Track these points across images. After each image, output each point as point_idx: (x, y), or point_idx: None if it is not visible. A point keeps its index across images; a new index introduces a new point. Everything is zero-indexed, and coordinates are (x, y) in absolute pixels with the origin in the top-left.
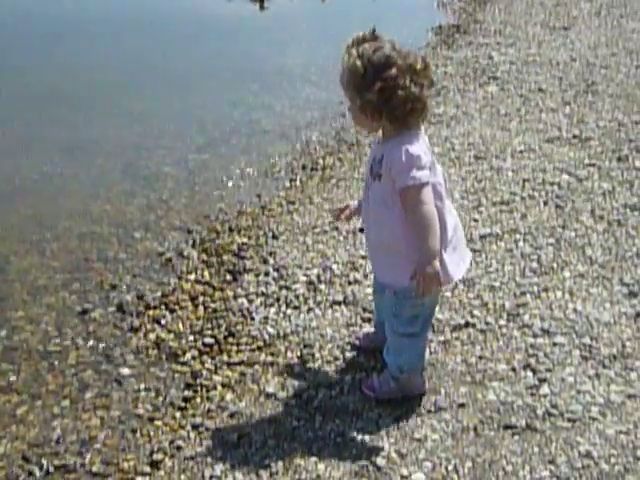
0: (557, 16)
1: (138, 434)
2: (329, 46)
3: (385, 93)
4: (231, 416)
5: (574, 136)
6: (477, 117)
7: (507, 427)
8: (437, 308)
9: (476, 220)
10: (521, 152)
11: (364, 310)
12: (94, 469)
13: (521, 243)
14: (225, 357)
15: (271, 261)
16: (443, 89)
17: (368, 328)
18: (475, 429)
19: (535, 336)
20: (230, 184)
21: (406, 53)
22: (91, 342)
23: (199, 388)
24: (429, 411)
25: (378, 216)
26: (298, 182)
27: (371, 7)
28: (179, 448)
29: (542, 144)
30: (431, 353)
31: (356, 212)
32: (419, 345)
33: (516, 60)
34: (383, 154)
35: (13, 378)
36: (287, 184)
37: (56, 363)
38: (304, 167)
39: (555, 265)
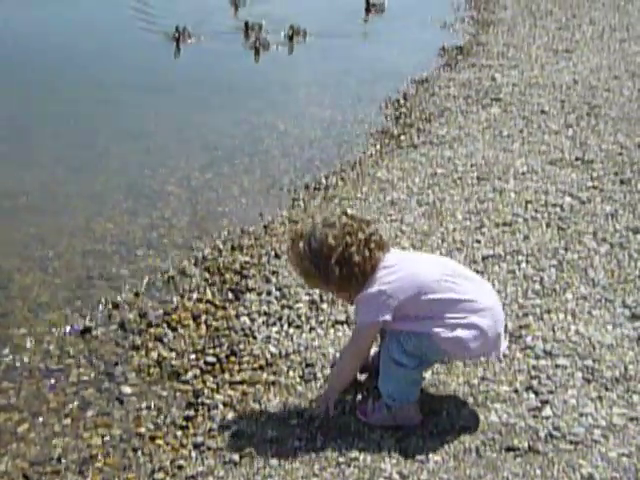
0: (560, 39)
1: (139, 453)
2: (333, 63)
3: (343, 261)
4: (233, 435)
5: (577, 158)
6: (480, 138)
7: (509, 449)
8: None
9: (479, 241)
10: (524, 174)
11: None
12: None
13: (524, 264)
14: (227, 376)
15: (273, 280)
16: (446, 111)
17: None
18: (477, 451)
19: (537, 358)
20: (233, 203)
21: (328, 221)
22: (93, 360)
23: (201, 407)
24: (431, 432)
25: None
26: (301, 201)
27: (375, 27)
28: (180, 467)
29: (545, 166)
30: (433, 374)
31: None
32: (411, 377)
33: (519, 82)
34: None
35: (14, 396)
36: (290, 203)
37: (57, 381)
38: (307, 186)
39: (557, 287)
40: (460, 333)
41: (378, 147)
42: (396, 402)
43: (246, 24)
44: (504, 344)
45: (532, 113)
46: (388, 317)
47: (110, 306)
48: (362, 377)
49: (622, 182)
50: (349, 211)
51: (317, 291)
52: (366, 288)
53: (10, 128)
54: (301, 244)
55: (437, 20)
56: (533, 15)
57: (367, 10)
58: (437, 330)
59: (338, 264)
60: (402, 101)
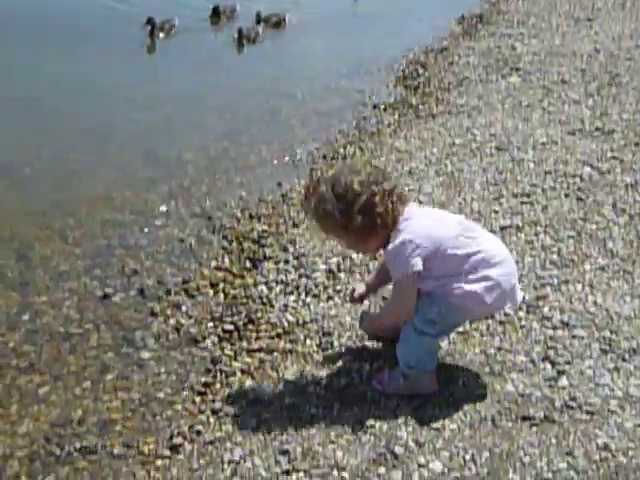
0: (581, 7)
1: (158, 417)
2: (351, 36)
3: (367, 209)
4: (250, 402)
5: (597, 128)
6: (499, 108)
7: (525, 418)
8: None
9: (496, 212)
10: (543, 144)
11: (384, 299)
12: (115, 451)
13: (542, 235)
14: (245, 344)
15: (291, 249)
16: (465, 79)
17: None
18: (493, 420)
19: (555, 328)
20: (251, 172)
21: (353, 167)
22: (112, 325)
23: (219, 374)
24: (447, 401)
25: None
26: (319, 171)
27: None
28: (199, 432)
29: (564, 136)
30: (450, 343)
31: (370, 292)
32: (431, 345)
33: (539, 51)
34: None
35: (35, 359)
36: (308, 173)
37: (77, 345)
38: (324, 156)
39: (576, 258)
40: (476, 287)
41: (396, 117)
42: (413, 371)
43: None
44: (519, 294)
45: (552, 82)
46: (420, 266)
47: (129, 273)
48: (378, 345)
49: None
50: (373, 161)
51: (334, 260)
52: (392, 241)
53: (24, 94)
54: (324, 187)
55: None
56: None
57: None
58: (455, 287)
59: (361, 212)
60: (421, 70)
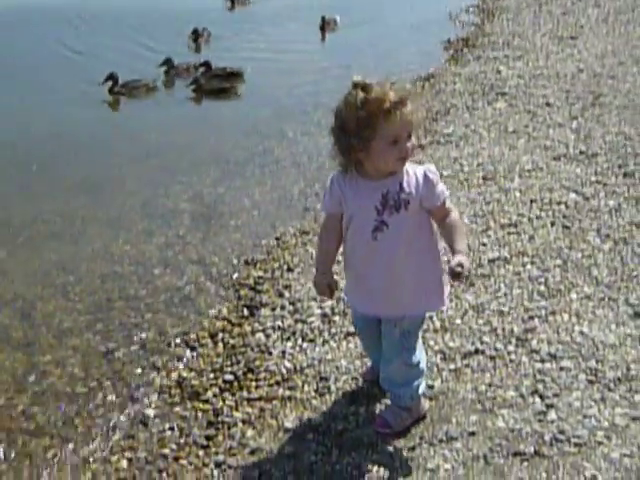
0: (565, 25)
1: (164, 474)
2: (339, 69)
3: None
4: (252, 453)
5: (581, 152)
6: (486, 136)
7: (516, 454)
8: (448, 335)
9: (484, 244)
10: (529, 171)
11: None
12: None
13: (529, 266)
14: (245, 393)
15: (287, 294)
16: (452, 107)
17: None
18: (485, 457)
19: (543, 361)
20: (245, 216)
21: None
22: (116, 382)
23: (221, 425)
24: (441, 440)
25: (415, 243)
26: (312, 210)
27: (382, 24)
28: None
29: (549, 162)
30: (442, 382)
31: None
32: (422, 368)
33: (524, 74)
34: (401, 182)
35: (43, 421)
36: (301, 213)
37: (84, 405)
38: (317, 194)
39: (562, 287)
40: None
41: None
42: (414, 400)
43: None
44: None
45: (537, 106)
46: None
47: (130, 327)
48: (372, 389)
49: (625, 175)
50: None
51: (328, 304)
52: (414, 166)
53: (23, 153)
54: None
55: (441, 12)
56: (538, 0)
57: None
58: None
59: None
60: None
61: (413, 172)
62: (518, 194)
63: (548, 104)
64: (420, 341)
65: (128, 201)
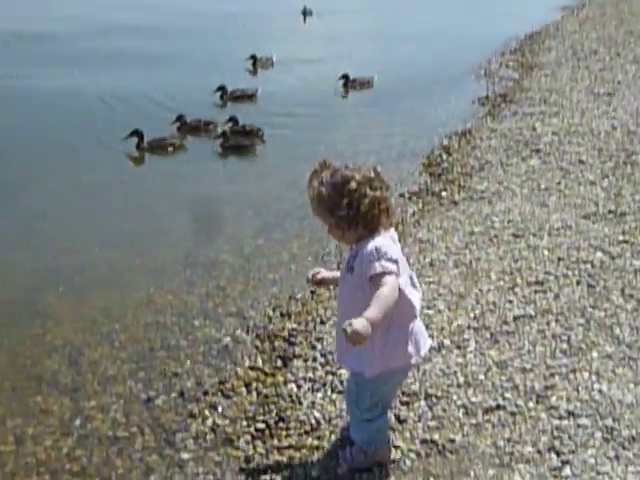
0: (602, 81)
1: None
2: (378, 128)
3: (353, 204)
4: None
5: (610, 211)
6: (518, 192)
7: None
8: (471, 391)
9: (511, 301)
10: (558, 229)
11: (403, 394)
12: None
13: (553, 324)
14: (275, 441)
15: (319, 347)
16: (487, 164)
17: None
18: None
19: (561, 418)
20: (283, 269)
21: (358, 168)
22: (155, 428)
23: (252, 472)
24: None
25: (350, 305)
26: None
27: (418, 79)
28: None
29: (579, 220)
30: (463, 436)
31: (327, 282)
32: (379, 423)
33: (559, 131)
34: (358, 251)
35: (86, 463)
36: (336, 267)
37: (124, 449)
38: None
39: (584, 346)
40: (405, 338)
41: (420, 205)
42: (371, 447)
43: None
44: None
45: (570, 163)
46: (397, 271)
47: (170, 375)
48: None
49: None
50: (379, 168)
51: None
52: (370, 240)
53: (70, 205)
54: (326, 173)
55: (482, 67)
56: (577, 56)
57: None
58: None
59: (348, 204)
60: (445, 156)
61: (370, 243)
62: (546, 252)
63: (581, 161)
64: (380, 406)
65: (172, 251)
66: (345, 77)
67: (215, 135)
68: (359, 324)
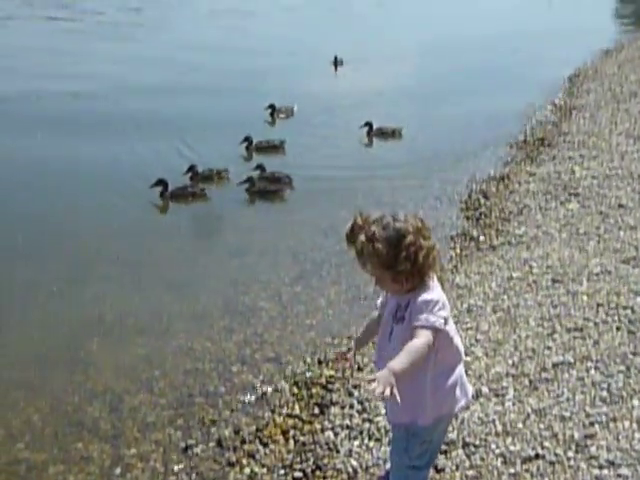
0: None
1: None
2: (414, 180)
3: (411, 258)
4: None
5: None
6: (557, 237)
7: None
8: (510, 439)
9: (550, 348)
10: (597, 275)
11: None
12: None
13: (592, 371)
14: None
15: (356, 394)
16: (525, 208)
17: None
18: None
19: (601, 467)
20: (320, 315)
21: (405, 218)
22: (193, 477)
23: None
24: None
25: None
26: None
27: (462, 118)
28: None
29: (618, 265)
30: None
31: (364, 344)
32: (425, 473)
33: (598, 174)
34: (409, 300)
35: None
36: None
37: None
38: None
39: (624, 393)
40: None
41: (458, 250)
42: None
43: None
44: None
45: (609, 207)
46: (443, 326)
47: (208, 423)
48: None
49: None
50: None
51: None
52: (424, 292)
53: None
54: (375, 227)
55: (519, 109)
56: (616, 98)
57: None
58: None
59: (407, 258)
60: (482, 200)
61: (421, 294)
62: (585, 298)
63: (620, 205)
64: (428, 454)
65: (210, 299)
66: (369, 125)
67: (240, 181)
68: (384, 377)
